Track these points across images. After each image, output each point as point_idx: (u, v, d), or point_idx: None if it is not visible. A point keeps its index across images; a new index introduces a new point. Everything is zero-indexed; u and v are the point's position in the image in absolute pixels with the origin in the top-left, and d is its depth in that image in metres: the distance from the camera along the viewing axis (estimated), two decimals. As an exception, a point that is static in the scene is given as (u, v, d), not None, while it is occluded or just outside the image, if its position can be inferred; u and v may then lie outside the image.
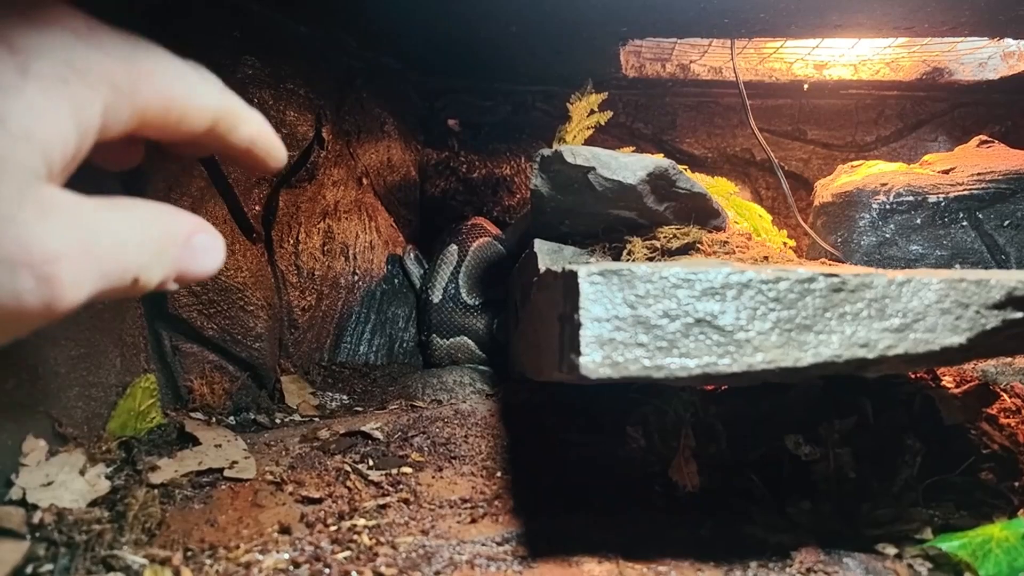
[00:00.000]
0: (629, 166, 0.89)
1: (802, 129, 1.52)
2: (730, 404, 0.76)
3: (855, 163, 1.34)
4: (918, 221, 1.17)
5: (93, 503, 0.61)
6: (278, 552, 0.56)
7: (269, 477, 0.69)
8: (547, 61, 1.29)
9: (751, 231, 1.07)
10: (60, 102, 0.27)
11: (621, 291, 0.50)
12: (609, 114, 1.20)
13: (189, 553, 0.55)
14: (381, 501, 0.66)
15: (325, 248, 1.12)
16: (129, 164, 0.38)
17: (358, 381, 1.08)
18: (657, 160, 0.90)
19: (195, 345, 0.87)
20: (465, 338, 1.16)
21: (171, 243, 0.31)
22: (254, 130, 0.37)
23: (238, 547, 0.56)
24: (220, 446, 0.74)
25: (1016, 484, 0.67)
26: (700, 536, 0.62)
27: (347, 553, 0.56)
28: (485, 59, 1.33)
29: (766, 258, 0.92)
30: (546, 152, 0.92)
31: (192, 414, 0.83)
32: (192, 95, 0.33)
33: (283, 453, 0.75)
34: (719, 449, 0.73)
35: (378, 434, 0.80)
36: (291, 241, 1.05)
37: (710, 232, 0.97)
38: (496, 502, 0.67)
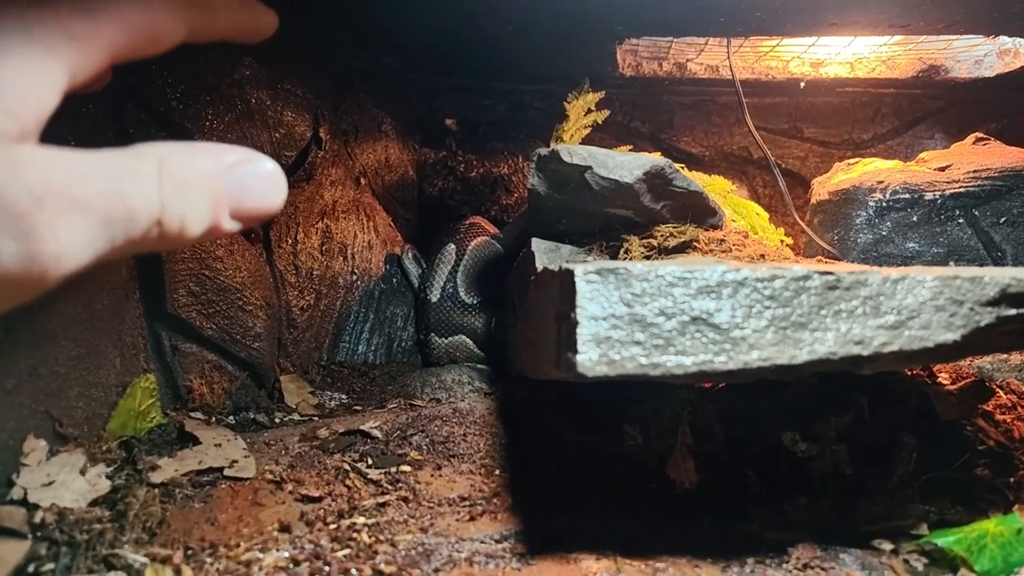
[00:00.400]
0: (626, 165, 0.89)
1: (799, 127, 1.52)
2: (727, 402, 0.76)
3: (851, 161, 1.35)
4: (914, 218, 1.17)
5: (94, 502, 0.61)
6: (278, 550, 0.56)
7: (269, 476, 0.69)
8: (544, 60, 1.30)
9: (748, 229, 1.07)
10: (23, 69, 0.27)
11: (617, 289, 0.50)
12: (606, 113, 1.20)
13: (190, 552, 0.56)
14: (380, 499, 0.66)
15: (323, 248, 1.12)
16: (100, 84, 0.37)
17: (357, 380, 1.08)
18: (654, 159, 0.91)
19: (194, 345, 0.87)
20: (463, 337, 1.16)
21: (202, 176, 0.29)
22: (233, 11, 0.37)
23: (238, 545, 0.57)
24: (220, 445, 0.74)
25: (1011, 480, 0.68)
26: (697, 533, 0.63)
27: (347, 551, 0.56)
28: (482, 58, 1.33)
29: (763, 256, 0.93)
30: (543, 151, 0.92)
31: (192, 414, 0.84)
32: (157, 12, 0.32)
33: (283, 452, 0.76)
34: (716, 446, 0.73)
35: (377, 433, 0.80)
36: (289, 241, 1.05)
37: (707, 230, 0.97)
38: (495, 500, 0.67)
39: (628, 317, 0.50)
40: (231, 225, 0.31)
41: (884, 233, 1.18)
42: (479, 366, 1.12)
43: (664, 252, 0.93)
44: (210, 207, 0.30)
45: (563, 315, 0.52)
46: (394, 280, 1.25)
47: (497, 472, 0.73)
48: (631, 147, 1.30)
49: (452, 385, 1.02)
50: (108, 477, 0.66)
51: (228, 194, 0.30)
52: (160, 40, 0.33)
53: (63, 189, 0.26)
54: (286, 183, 0.33)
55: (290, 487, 0.67)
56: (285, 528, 0.60)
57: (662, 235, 0.94)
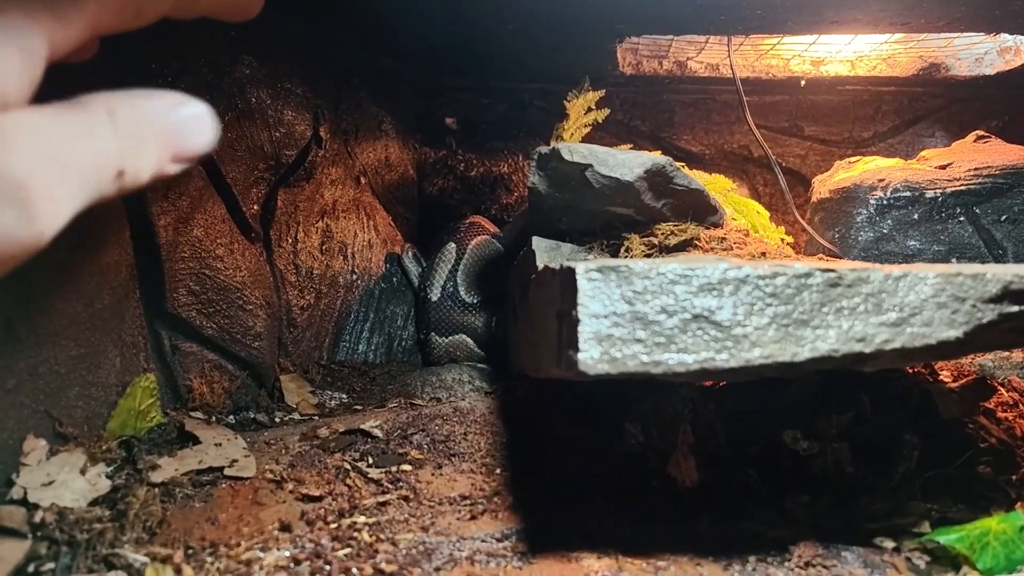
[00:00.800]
0: (626, 163, 0.89)
1: (799, 125, 1.52)
2: (728, 400, 0.76)
3: (852, 159, 1.35)
4: (915, 216, 1.17)
5: (94, 502, 0.61)
6: (279, 550, 0.56)
7: (269, 475, 0.69)
8: (544, 59, 1.29)
9: (749, 227, 1.07)
10: (2, 39, 0.28)
11: (619, 287, 0.50)
12: (606, 111, 1.20)
13: (190, 551, 0.56)
14: (381, 498, 0.66)
15: (323, 247, 1.12)
16: (87, 55, 0.37)
17: (357, 379, 1.08)
18: (654, 157, 0.90)
19: (194, 344, 0.87)
20: (464, 336, 1.16)
21: (147, 122, 0.31)
22: None
23: (239, 545, 0.57)
24: (220, 445, 0.74)
25: (1013, 478, 0.67)
26: (699, 531, 0.62)
27: (347, 550, 0.56)
28: (482, 57, 1.33)
29: (764, 254, 0.93)
30: (543, 150, 0.92)
31: (192, 413, 0.84)
32: None
33: (283, 451, 0.75)
34: (717, 445, 0.73)
35: (378, 432, 0.80)
36: (289, 240, 1.05)
37: (708, 229, 0.97)
38: (495, 498, 0.67)
39: (630, 315, 0.50)
40: (173, 168, 0.32)
41: (885, 231, 1.18)
42: (479, 365, 1.12)
43: (665, 250, 0.93)
44: (156, 153, 0.31)
45: (564, 313, 0.52)
46: (394, 279, 1.25)
47: (498, 471, 0.73)
48: (631, 145, 1.30)
49: (452, 384, 1.02)
50: (108, 476, 0.65)
51: (168, 138, 0.31)
52: (144, 12, 0.33)
53: (52, 153, 0.27)
54: (217, 123, 0.33)
55: (290, 486, 0.67)
56: (286, 527, 0.59)
57: (663, 233, 0.94)
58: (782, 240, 1.18)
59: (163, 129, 0.31)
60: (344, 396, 1.01)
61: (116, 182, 0.29)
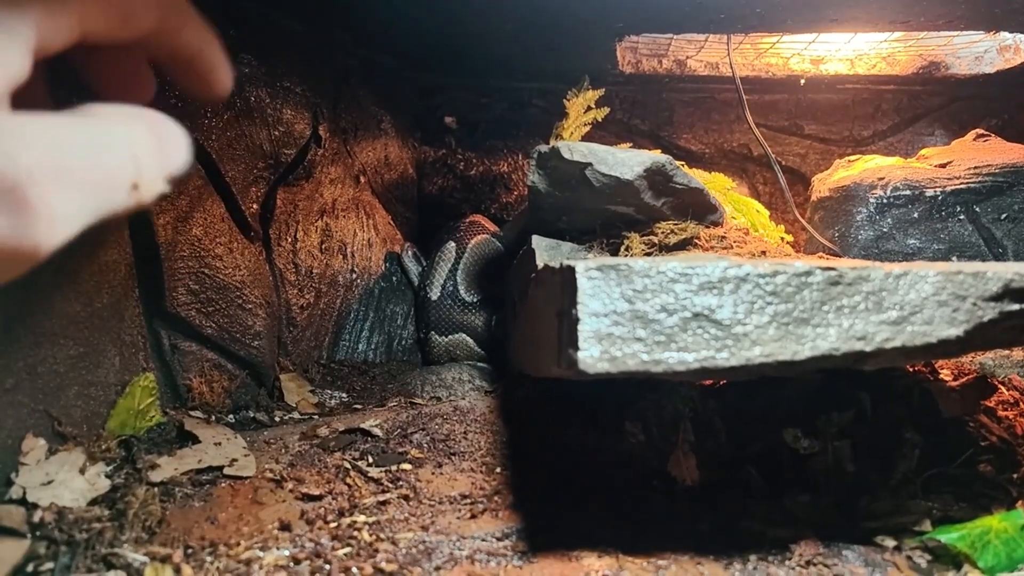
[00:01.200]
0: (626, 162, 0.89)
1: (799, 124, 1.52)
2: (729, 398, 0.76)
3: (852, 158, 1.35)
4: (915, 215, 1.17)
5: (93, 501, 0.61)
6: (278, 549, 0.56)
7: (269, 475, 0.69)
8: (543, 58, 1.29)
9: (748, 226, 1.07)
10: None
11: (619, 286, 0.50)
12: (606, 110, 1.20)
13: (190, 551, 0.56)
14: (381, 498, 0.66)
15: (323, 246, 1.12)
16: (143, 95, 0.36)
17: (357, 379, 1.08)
18: (654, 156, 0.90)
19: (194, 343, 0.86)
20: (464, 335, 1.16)
21: (155, 136, 0.30)
22: (200, 37, 0.35)
23: (239, 544, 0.56)
24: (220, 444, 0.74)
25: (1014, 476, 0.67)
26: (699, 530, 0.62)
27: (347, 549, 0.56)
28: (481, 56, 1.33)
29: (764, 253, 0.92)
30: (543, 148, 0.92)
31: (191, 412, 0.83)
32: None
33: (283, 451, 0.75)
34: (718, 443, 0.73)
35: (377, 431, 0.80)
36: (289, 239, 1.05)
37: (708, 227, 0.97)
38: (496, 498, 0.67)
39: (630, 314, 0.50)
40: (167, 189, 0.31)
41: (885, 230, 1.18)
42: (479, 364, 1.12)
43: (665, 249, 0.93)
44: (162, 169, 0.30)
45: (564, 312, 0.52)
46: (394, 278, 1.25)
47: (498, 470, 0.73)
48: (631, 144, 1.30)
49: (452, 383, 1.02)
50: (107, 476, 0.65)
51: (166, 156, 0.31)
52: (130, 21, 0.31)
53: (54, 154, 0.25)
54: (191, 144, 0.33)
55: (290, 485, 0.67)
56: (285, 527, 0.59)
57: (663, 232, 0.94)
58: (782, 239, 1.18)
59: (162, 147, 0.31)
60: (344, 395, 1.01)
61: (132, 195, 0.28)
